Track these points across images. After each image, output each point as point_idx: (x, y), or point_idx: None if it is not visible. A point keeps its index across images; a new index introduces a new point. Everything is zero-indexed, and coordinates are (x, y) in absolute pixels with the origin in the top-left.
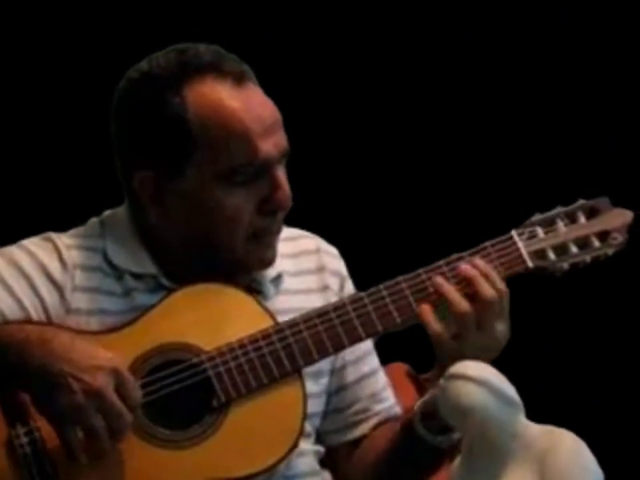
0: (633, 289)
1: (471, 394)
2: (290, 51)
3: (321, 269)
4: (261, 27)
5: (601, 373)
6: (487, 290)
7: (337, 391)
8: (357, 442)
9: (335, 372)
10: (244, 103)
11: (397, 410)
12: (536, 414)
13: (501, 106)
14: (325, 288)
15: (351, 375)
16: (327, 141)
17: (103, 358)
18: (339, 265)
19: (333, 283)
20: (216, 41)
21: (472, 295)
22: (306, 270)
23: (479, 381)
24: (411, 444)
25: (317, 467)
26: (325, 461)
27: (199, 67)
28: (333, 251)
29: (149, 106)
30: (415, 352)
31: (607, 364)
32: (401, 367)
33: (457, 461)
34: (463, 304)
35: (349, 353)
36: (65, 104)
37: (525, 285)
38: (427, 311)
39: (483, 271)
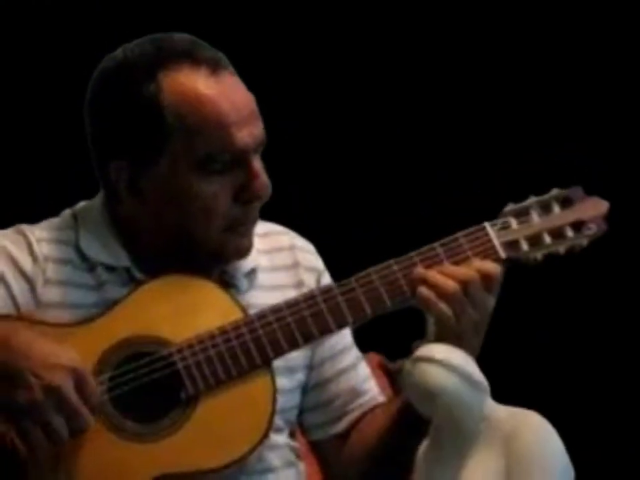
0: (622, 278)
1: (438, 377)
2: (278, 45)
3: (295, 265)
4: (255, 22)
5: (586, 359)
6: (463, 272)
7: (316, 386)
8: (344, 435)
9: (314, 367)
10: (219, 91)
11: (380, 399)
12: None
13: (477, 98)
14: (299, 284)
15: (329, 370)
16: (307, 134)
17: (63, 357)
18: (315, 260)
19: (308, 278)
20: (207, 35)
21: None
22: (280, 266)
23: (446, 364)
24: (409, 425)
25: (291, 458)
26: (315, 455)
27: (173, 54)
28: (309, 247)
29: (124, 94)
30: (389, 342)
31: (595, 351)
32: (374, 358)
33: (424, 443)
34: (449, 284)
35: (328, 349)
36: (38, 96)
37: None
38: (426, 292)
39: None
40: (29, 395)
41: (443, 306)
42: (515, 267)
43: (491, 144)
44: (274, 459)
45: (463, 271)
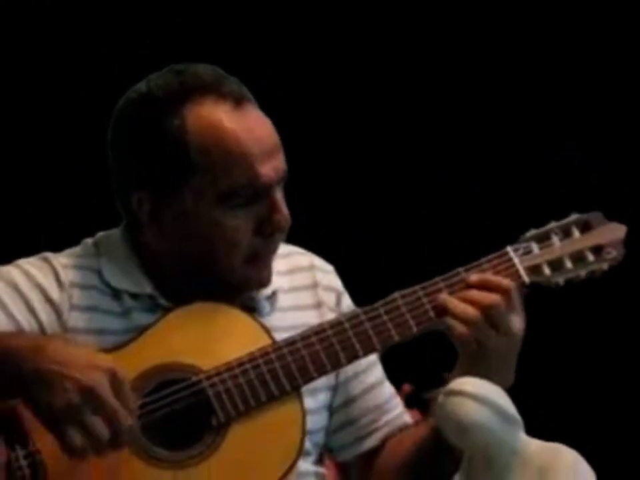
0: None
1: (470, 411)
2: (277, 47)
3: (314, 285)
4: (258, 28)
5: (599, 383)
6: (485, 297)
7: (344, 405)
8: (371, 454)
9: (340, 386)
10: (244, 125)
11: (407, 418)
12: (534, 426)
13: (477, 98)
14: (319, 304)
15: (356, 387)
16: (307, 134)
17: (96, 358)
18: (334, 280)
19: (328, 298)
20: (212, 53)
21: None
22: (300, 286)
23: (478, 398)
24: (441, 446)
25: None
26: (345, 478)
27: (198, 88)
28: (328, 267)
29: (149, 127)
30: (419, 373)
31: (606, 374)
32: (406, 388)
33: (457, 477)
34: (469, 311)
35: (352, 367)
36: (38, 97)
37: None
38: (449, 320)
39: (476, 284)
40: (66, 398)
41: (465, 331)
42: (537, 293)
43: (491, 144)
44: None
45: (485, 295)
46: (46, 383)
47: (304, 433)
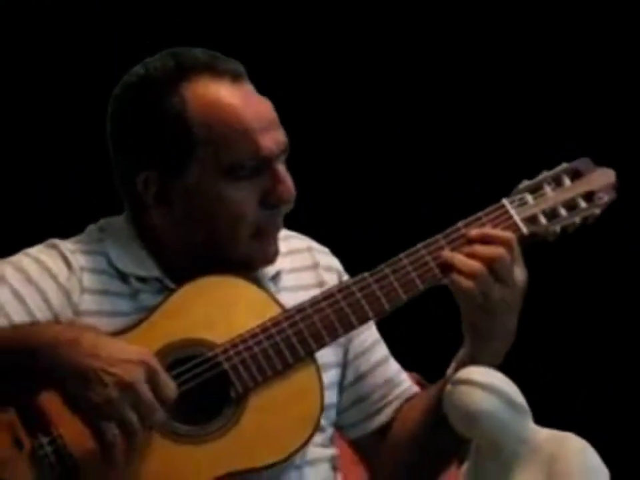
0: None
1: (478, 400)
2: (277, 46)
3: (315, 266)
4: (259, 26)
5: (608, 373)
6: (489, 251)
7: (353, 383)
8: (385, 428)
9: (348, 364)
10: (242, 100)
11: (415, 390)
12: (543, 414)
13: (477, 98)
14: (321, 283)
15: (363, 364)
16: (307, 134)
17: (131, 351)
18: (333, 260)
19: (330, 278)
20: (213, 43)
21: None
22: (300, 267)
23: (486, 387)
24: (438, 420)
25: (329, 474)
26: (358, 454)
27: (195, 66)
28: (325, 249)
29: (149, 108)
30: (426, 363)
31: (615, 366)
32: (412, 377)
33: (466, 466)
34: (474, 266)
35: (358, 345)
36: (38, 97)
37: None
38: (453, 276)
39: (477, 238)
40: (104, 391)
41: (471, 285)
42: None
43: (490, 144)
44: (312, 475)
45: (488, 249)
46: (84, 378)
47: (322, 390)
